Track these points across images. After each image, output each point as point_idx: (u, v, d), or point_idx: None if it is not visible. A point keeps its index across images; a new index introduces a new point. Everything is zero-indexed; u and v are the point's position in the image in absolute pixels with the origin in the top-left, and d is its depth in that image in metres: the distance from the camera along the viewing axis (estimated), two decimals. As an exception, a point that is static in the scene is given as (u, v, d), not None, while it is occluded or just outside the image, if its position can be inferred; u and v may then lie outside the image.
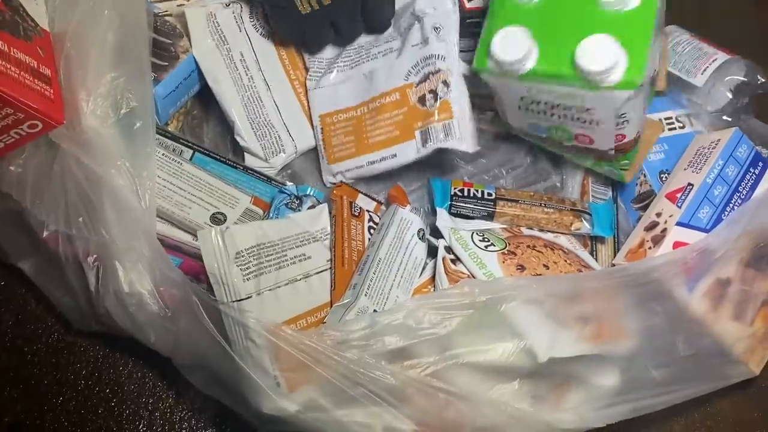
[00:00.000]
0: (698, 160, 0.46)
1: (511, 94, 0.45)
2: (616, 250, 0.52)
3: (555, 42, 0.43)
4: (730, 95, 0.53)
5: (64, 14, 0.45)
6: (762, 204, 0.45)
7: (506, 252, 0.46)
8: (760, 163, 0.46)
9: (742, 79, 0.53)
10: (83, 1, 0.45)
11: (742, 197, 0.45)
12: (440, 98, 0.46)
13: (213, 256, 0.38)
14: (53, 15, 0.45)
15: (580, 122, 0.47)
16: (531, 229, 0.51)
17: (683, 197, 0.45)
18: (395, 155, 0.48)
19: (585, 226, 0.50)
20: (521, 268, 0.46)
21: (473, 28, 0.52)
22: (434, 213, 0.49)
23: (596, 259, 0.52)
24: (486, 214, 0.50)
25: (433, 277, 0.47)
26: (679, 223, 0.44)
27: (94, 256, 0.40)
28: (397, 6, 0.49)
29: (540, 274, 0.45)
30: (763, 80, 0.53)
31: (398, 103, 0.47)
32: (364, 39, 0.49)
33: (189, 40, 0.48)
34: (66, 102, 0.43)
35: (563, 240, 0.51)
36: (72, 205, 0.41)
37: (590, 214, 0.51)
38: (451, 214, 0.50)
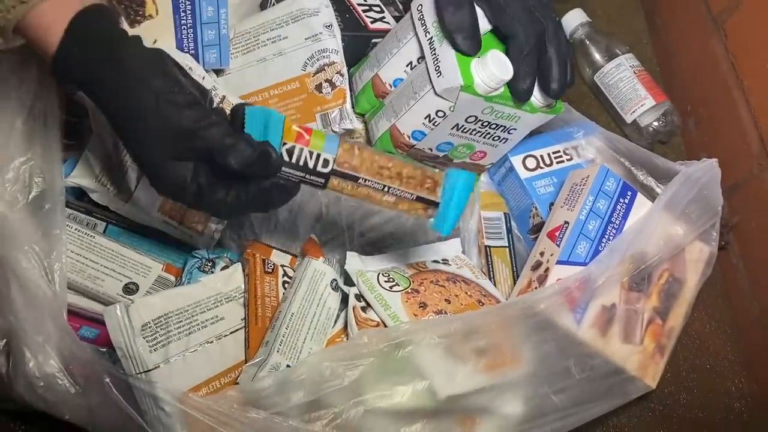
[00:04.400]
0: (572, 198, 0.50)
1: (463, 113, 0.49)
2: (515, 276, 0.56)
3: None
4: (648, 137, 0.67)
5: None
6: (637, 231, 0.49)
7: (410, 291, 0.49)
8: (629, 193, 0.51)
9: (659, 124, 0.67)
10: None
11: (616, 227, 0.50)
12: (336, 87, 0.53)
13: (118, 331, 0.40)
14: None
15: (491, 139, 0.53)
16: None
17: (561, 235, 0.49)
18: None
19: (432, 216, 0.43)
20: (423, 305, 0.48)
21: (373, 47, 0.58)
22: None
23: (495, 284, 0.55)
24: (315, 187, 0.40)
25: (346, 326, 0.49)
26: (559, 261, 0.47)
27: (4, 340, 0.41)
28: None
29: (441, 309, 0.48)
30: (677, 123, 0.68)
31: (298, 91, 0.53)
32: (249, 25, 0.53)
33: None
34: (-27, 190, 0.44)
35: (466, 271, 0.54)
36: (-20, 293, 0.42)
37: (437, 204, 0.43)
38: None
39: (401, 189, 0.42)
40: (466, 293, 0.50)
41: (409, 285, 0.49)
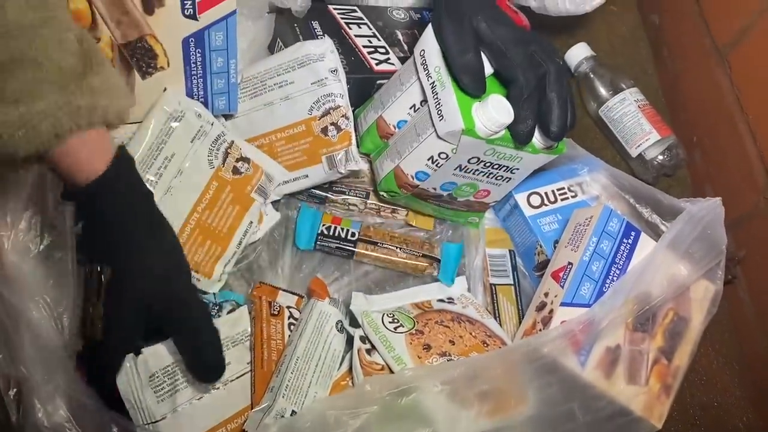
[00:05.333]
0: (575, 238, 0.51)
1: (466, 155, 0.50)
2: (520, 314, 0.56)
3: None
4: (653, 170, 0.67)
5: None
6: (641, 272, 0.50)
7: (414, 332, 0.50)
8: (632, 233, 0.51)
9: (664, 158, 0.67)
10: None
11: (620, 268, 0.50)
12: (342, 129, 0.54)
13: (127, 383, 0.41)
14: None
15: (494, 178, 0.53)
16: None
17: (565, 276, 0.49)
18: (307, 176, 0.57)
19: (435, 272, 0.58)
20: (427, 347, 0.49)
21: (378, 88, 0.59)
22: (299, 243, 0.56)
23: (501, 323, 0.55)
24: (346, 254, 0.57)
25: (351, 369, 0.50)
26: (563, 303, 0.48)
27: (15, 390, 0.42)
28: (286, 46, 0.57)
29: (446, 351, 0.49)
30: (682, 157, 0.68)
31: (304, 134, 0.55)
32: (256, 70, 0.55)
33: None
34: (-13, 238, 0.46)
35: (471, 310, 0.54)
36: (-7, 344, 0.43)
37: (439, 261, 0.58)
38: (316, 249, 0.57)
39: (410, 249, 0.58)
40: (471, 334, 0.50)
41: (414, 326, 0.50)
